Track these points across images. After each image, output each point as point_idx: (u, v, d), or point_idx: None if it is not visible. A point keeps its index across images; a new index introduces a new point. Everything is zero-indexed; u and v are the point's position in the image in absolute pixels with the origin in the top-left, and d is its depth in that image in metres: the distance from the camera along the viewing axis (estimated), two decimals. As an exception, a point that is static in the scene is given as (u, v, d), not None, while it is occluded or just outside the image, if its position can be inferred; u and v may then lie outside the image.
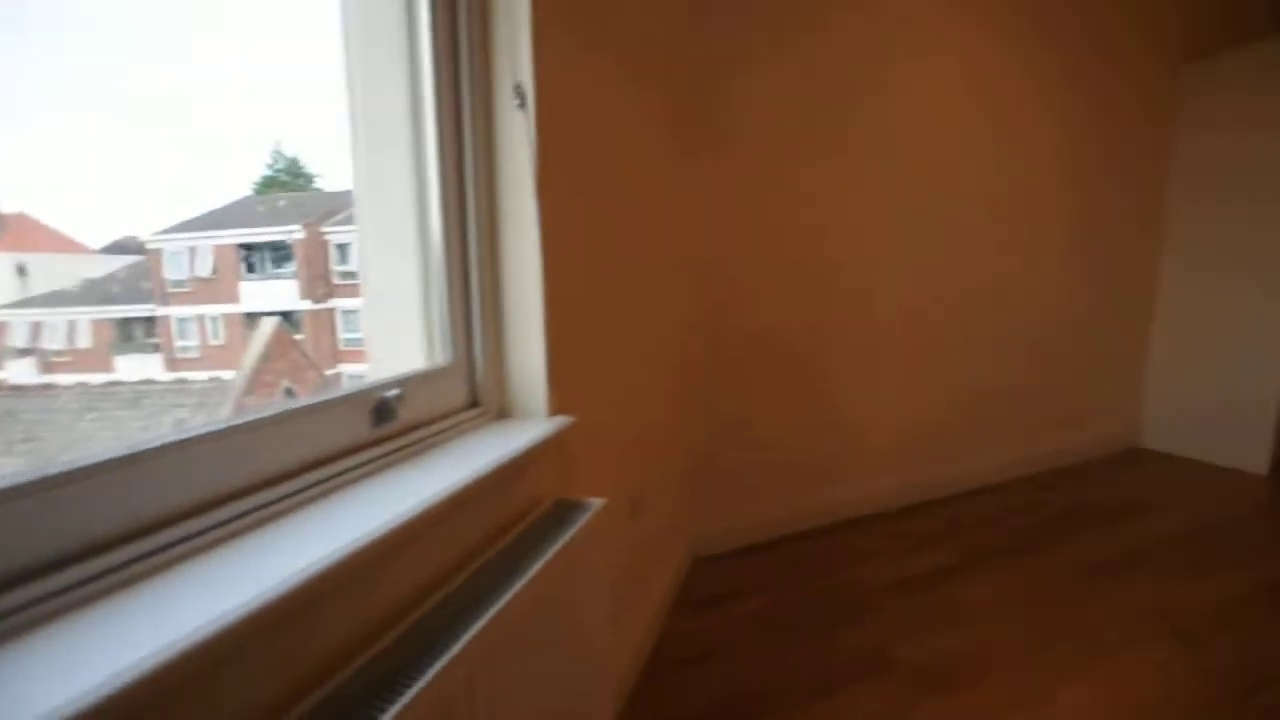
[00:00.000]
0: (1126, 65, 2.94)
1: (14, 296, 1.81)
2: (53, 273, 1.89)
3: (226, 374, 2.15)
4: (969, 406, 2.78)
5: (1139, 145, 3.07)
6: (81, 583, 0.53)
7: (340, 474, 0.82)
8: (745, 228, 2.19)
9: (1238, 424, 2.98)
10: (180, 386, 2.07)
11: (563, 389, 1.18)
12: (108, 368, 1.99)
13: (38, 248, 1.80)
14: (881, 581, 2.06)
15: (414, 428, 0.98)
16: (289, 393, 2.33)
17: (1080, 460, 3.15)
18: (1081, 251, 2.99)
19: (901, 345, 2.56)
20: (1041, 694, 1.52)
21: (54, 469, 0.54)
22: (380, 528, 0.67)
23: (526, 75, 1.05)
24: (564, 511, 1.06)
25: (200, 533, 0.63)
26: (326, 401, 0.84)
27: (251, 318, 2.41)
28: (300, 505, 0.74)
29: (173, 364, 2.23)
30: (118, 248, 2.21)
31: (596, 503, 1.08)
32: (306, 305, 2.63)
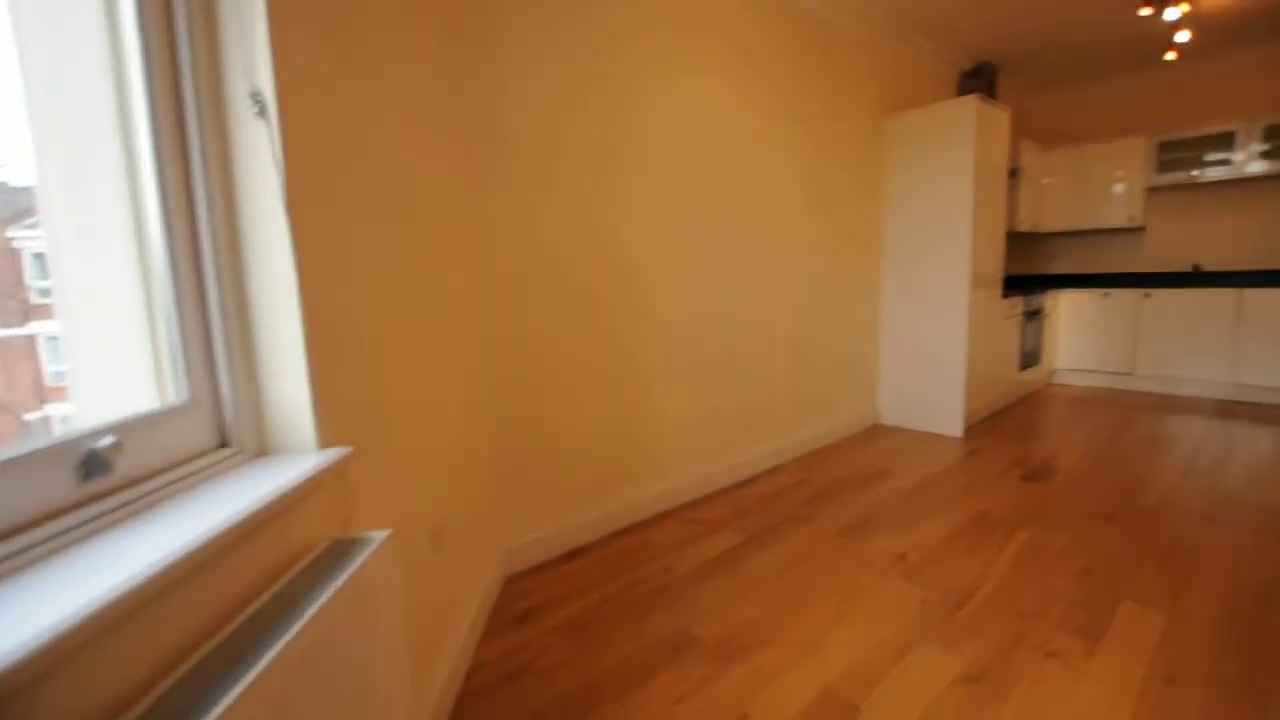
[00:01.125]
0: (846, 117, 3.61)
1: None
2: None
3: None
4: (745, 405, 3.14)
5: (860, 181, 3.76)
6: None
7: (35, 545, 0.68)
8: (530, 248, 2.24)
9: (940, 401, 3.80)
10: None
11: (338, 419, 1.09)
12: None
13: None
14: (683, 568, 2.23)
15: (140, 480, 0.84)
16: None
17: (836, 440, 3.74)
18: (822, 271, 3.56)
19: (683, 356, 2.81)
20: (815, 643, 1.76)
21: None
22: (100, 602, 0.57)
23: (266, 82, 0.97)
24: (342, 551, 0.99)
25: None
26: (9, 460, 0.68)
27: None
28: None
29: None
30: None
31: (378, 537, 1.02)
32: None
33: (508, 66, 2.10)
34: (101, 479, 0.79)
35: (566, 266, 2.33)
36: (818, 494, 2.90)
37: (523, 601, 2.06)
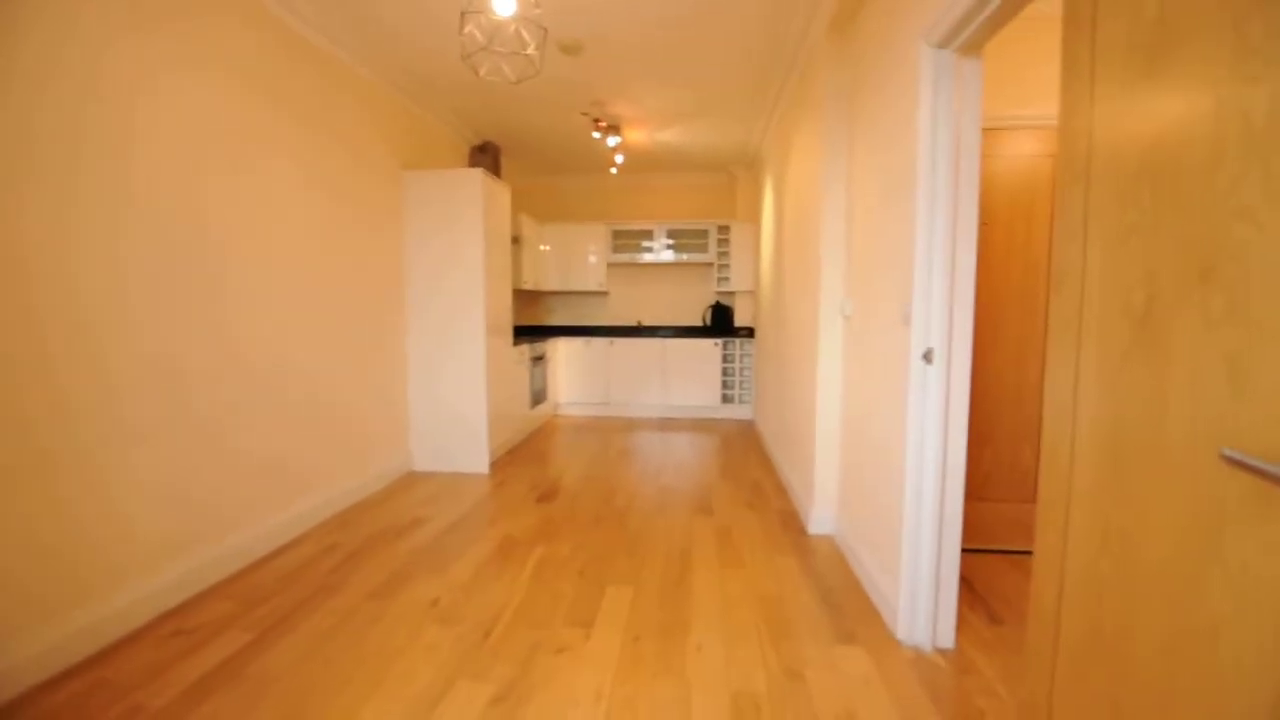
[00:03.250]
0: (369, 166, 3.57)
1: None
2: None
3: None
4: (254, 468, 2.68)
5: (381, 231, 3.74)
6: None
7: None
8: None
9: (466, 441, 4.08)
10: None
11: None
12: None
13: None
14: (162, 700, 1.71)
15: None
16: None
17: (369, 494, 3.56)
18: (346, 320, 3.38)
19: (161, 413, 2.22)
20: (342, 727, 1.60)
21: None
22: None
23: None
24: None
25: None
26: None
27: None
28: None
29: None
30: None
31: None
32: None
33: None
34: None
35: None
36: (348, 558, 2.68)
37: None
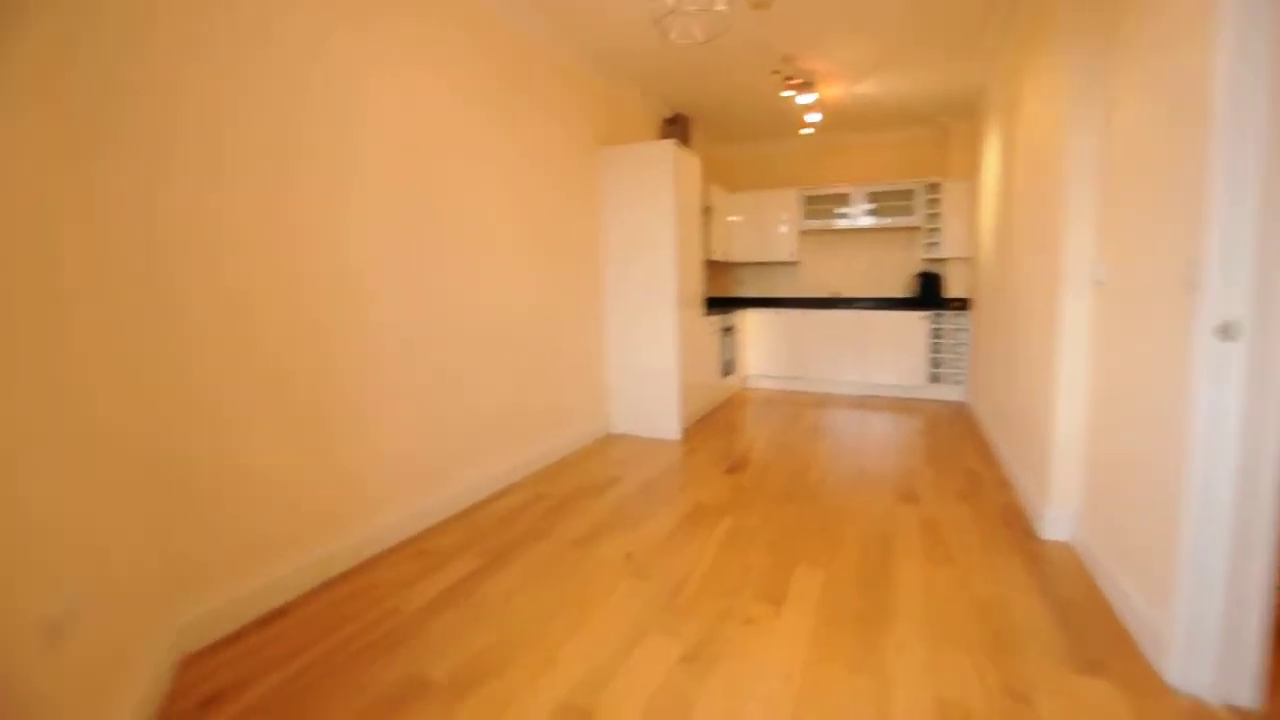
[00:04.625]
0: (569, 143, 3.81)
1: None
2: None
3: None
4: (474, 425, 3.06)
5: (581, 206, 3.98)
6: None
7: None
8: (206, 249, 1.85)
9: (660, 408, 4.21)
10: None
11: None
12: None
13: None
14: (412, 606, 2.05)
15: None
16: None
17: (571, 452, 3.87)
18: (552, 288, 3.68)
19: (405, 372, 2.62)
20: (550, 659, 1.77)
21: None
22: None
23: None
24: None
25: None
26: None
27: None
28: None
29: None
30: None
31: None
32: None
33: (172, 55, 1.72)
34: None
35: (254, 280, 1.98)
36: (554, 508, 2.95)
37: (204, 686, 1.66)
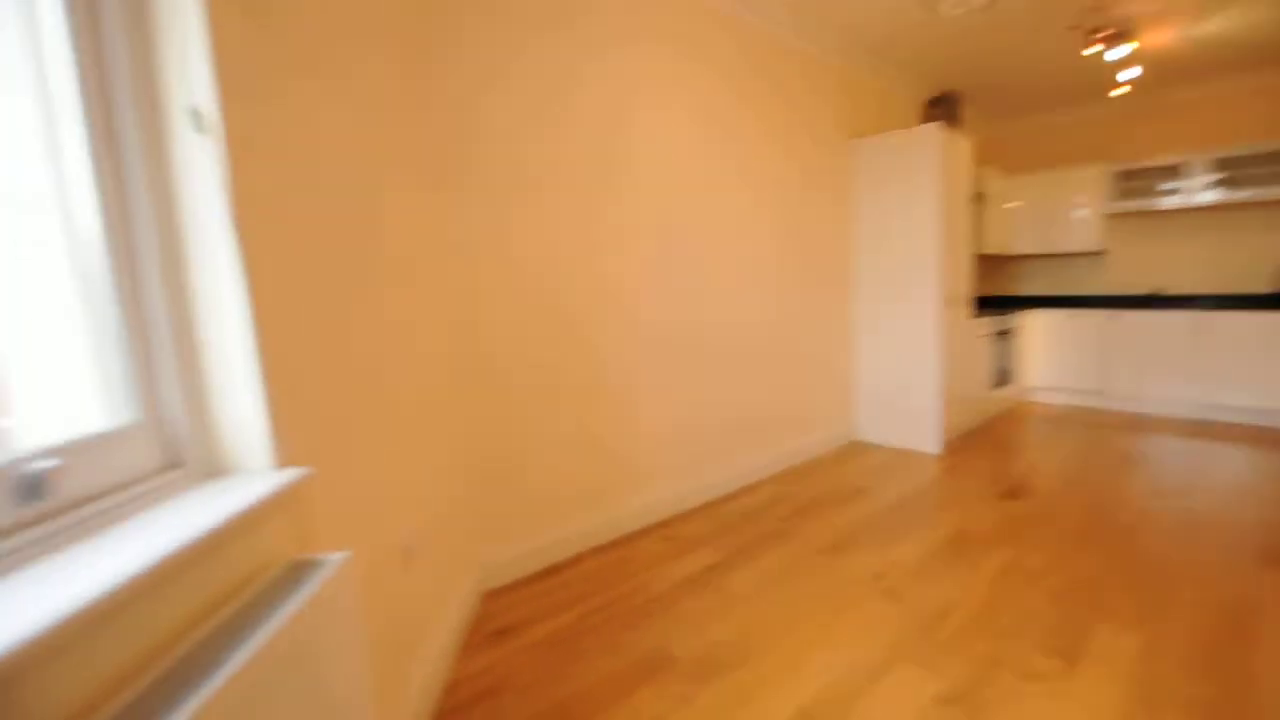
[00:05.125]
0: (818, 138, 3.68)
1: None
2: None
3: None
4: (722, 420, 3.13)
5: (831, 201, 3.82)
6: None
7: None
8: (503, 264, 2.22)
9: (917, 417, 3.83)
10: None
11: (298, 438, 1.05)
12: None
13: None
14: (661, 586, 2.19)
15: (82, 502, 0.80)
16: None
17: (814, 456, 3.74)
18: (797, 288, 3.60)
19: (660, 370, 2.80)
20: (793, 663, 1.73)
21: None
22: (32, 629, 0.53)
23: (207, 98, 0.92)
24: (298, 572, 0.94)
25: None
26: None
27: None
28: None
29: None
30: None
31: (336, 558, 0.98)
32: None
33: (478, 83, 2.10)
34: (39, 503, 0.74)
35: (539, 281, 2.32)
36: (797, 511, 2.88)
37: (499, 618, 2.01)
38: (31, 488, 0.73)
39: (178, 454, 0.95)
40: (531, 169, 2.26)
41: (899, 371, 3.91)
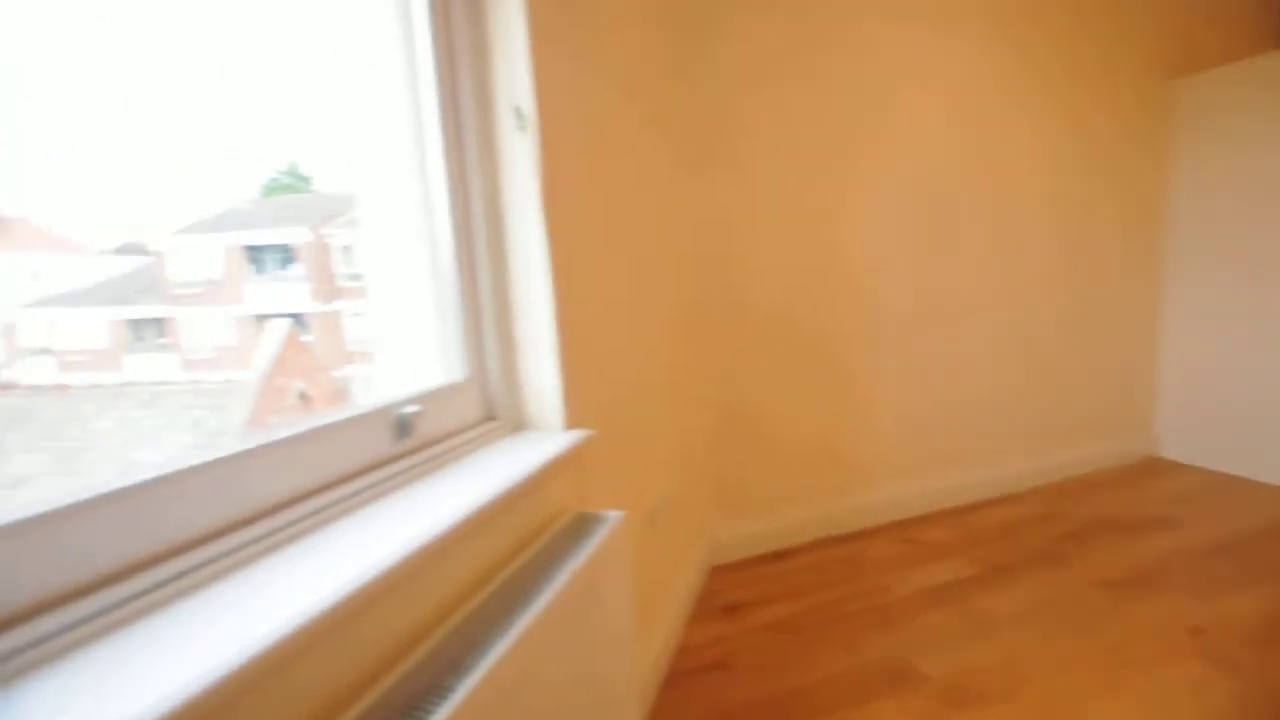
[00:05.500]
0: (1117, 84, 2.93)
1: (27, 297, 1.89)
2: (64, 274, 1.98)
3: (239, 375, 2.21)
4: (976, 414, 2.75)
5: (1125, 161, 3.02)
6: (96, 615, 0.51)
7: (366, 489, 0.81)
8: (754, 240, 2.21)
9: (1262, 435, 2.93)
10: (194, 387, 2.16)
11: (580, 403, 1.17)
12: (119, 368, 2.05)
13: (40, 249, 1.88)
14: (902, 591, 2.03)
15: (432, 442, 0.97)
16: (302, 395, 2.38)
17: (1096, 470, 3.11)
18: (1068, 265, 2.93)
19: (910, 353, 2.55)
20: (1073, 710, 1.48)
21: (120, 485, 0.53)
22: (412, 543, 0.66)
23: (526, 98, 1.04)
24: (584, 524, 1.05)
25: (231, 551, 0.62)
26: (350, 419, 0.83)
27: (260, 319, 2.47)
28: (329, 520, 0.74)
29: (186, 364, 2.32)
30: (127, 249, 2.27)
31: (616, 515, 1.07)
32: (313, 307, 2.73)
33: (732, 61, 2.08)
34: (408, 440, 0.92)
35: (781, 260, 2.26)
36: (1071, 534, 2.44)
37: (728, 594, 2.05)
38: (404, 427, 0.91)
39: (494, 408, 1.12)
40: (769, 140, 2.19)
41: (1232, 374, 3.02)
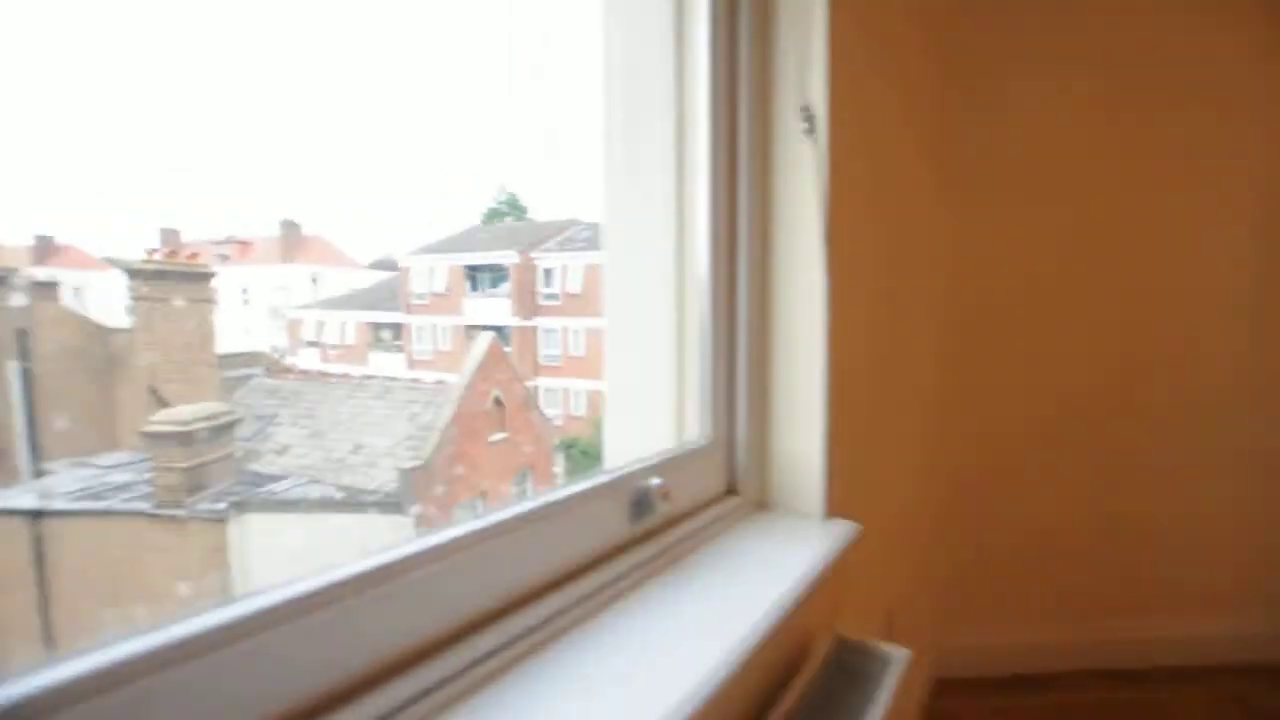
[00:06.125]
0: None
1: (308, 300, 2.26)
2: (333, 282, 2.36)
3: (450, 377, 2.51)
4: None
5: None
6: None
7: (599, 590, 0.63)
8: (1014, 279, 1.78)
9: None
10: (414, 385, 2.48)
11: (842, 483, 0.91)
12: (364, 363, 2.47)
13: (326, 261, 2.28)
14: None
15: (672, 522, 0.78)
16: (497, 401, 2.58)
17: None
18: None
19: (1248, 439, 1.88)
20: None
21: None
22: (677, 701, 0.45)
23: (819, 95, 0.83)
24: (853, 661, 0.78)
25: (451, 677, 0.45)
26: (584, 492, 0.66)
27: (471, 330, 2.78)
28: (556, 635, 0.56)
29: (411, 364, 2.68)
30: (380, 264, 2.66)
31: (899, 655, 0.78)
32: (515, 322, 3.01)
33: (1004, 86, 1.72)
34: (648, 519, 0.73)
35: (1070, 310, 1.80)
36: None
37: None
38: (644, 503, 0.72)
39: (736, 481, 0.90)
40: (1049, 174, 1.78)
41: None
